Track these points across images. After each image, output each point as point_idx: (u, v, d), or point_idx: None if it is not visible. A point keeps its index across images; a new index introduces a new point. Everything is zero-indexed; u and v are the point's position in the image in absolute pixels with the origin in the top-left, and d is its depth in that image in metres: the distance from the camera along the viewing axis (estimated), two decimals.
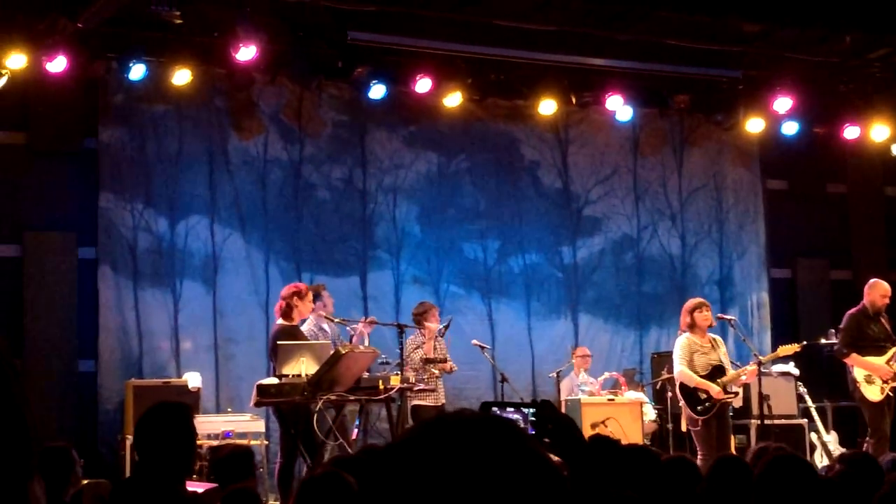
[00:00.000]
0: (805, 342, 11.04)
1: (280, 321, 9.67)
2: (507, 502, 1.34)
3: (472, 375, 12.47)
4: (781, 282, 14.69)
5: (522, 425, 3.00)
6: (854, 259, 14.78)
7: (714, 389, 9.76)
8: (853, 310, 10.54)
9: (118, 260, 11.70)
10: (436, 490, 1.34)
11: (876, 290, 10.47)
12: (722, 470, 4.30)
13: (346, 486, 3.63)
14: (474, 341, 11.56)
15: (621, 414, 11.09)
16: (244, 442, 9.51)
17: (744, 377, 10.14)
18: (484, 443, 1.38)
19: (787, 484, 3.62)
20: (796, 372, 12.13)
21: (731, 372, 9.95)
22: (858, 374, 10.26)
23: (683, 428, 10.07)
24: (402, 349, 10.03)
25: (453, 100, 12.70)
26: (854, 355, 10.30)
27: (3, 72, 10.75)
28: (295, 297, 9.64)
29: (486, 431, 1.40)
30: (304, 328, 9.97)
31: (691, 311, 10.04)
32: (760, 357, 10.32)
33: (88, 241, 11.71)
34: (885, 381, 10.09)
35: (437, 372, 10.84)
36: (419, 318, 10.97)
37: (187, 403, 4.08)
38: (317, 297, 10.15)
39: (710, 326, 10.12)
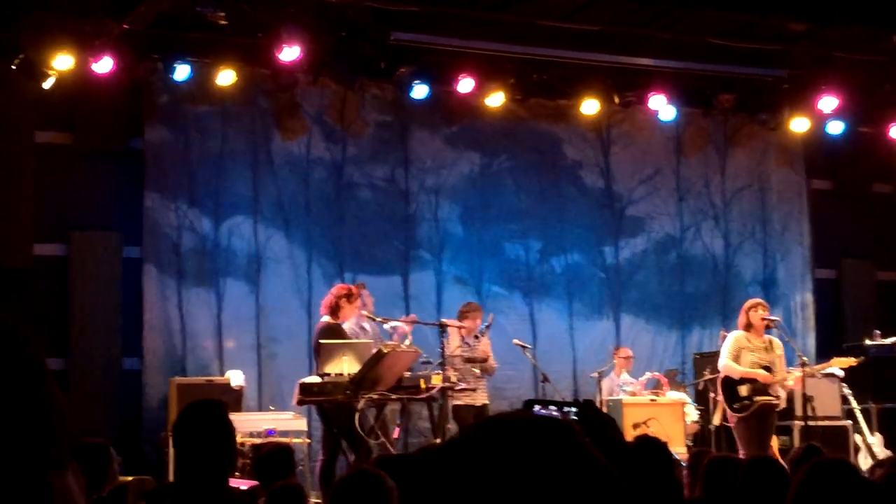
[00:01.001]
0: (863, 357, 10.85)
1: (326, 318, 9.74)
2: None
3: (514, 375, 12.47)
4: (826, 282, 14.56)
5: None
6: None
7: (761, 374, 9.73)
8: None
9: (163, 259, 11.80)
10: (492, 490, 1.34)
11: None
12: (756, 471, 4.28)
13: (379, 485, 3.65)
14: (515, 341, 11.56)
15: (663, 414, 11.04)
16: (286, 440, 9.56)
17: (790, 382, 10.09)
18: (543, 444, 1.38)
19: (832, 490, 3.59)
20: (841, 373, 12.00)
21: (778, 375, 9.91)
22: None
23: (716, 422, 10.05)
24: (443, 348, 10.05)
25: (496, 100, 12.70)
26: None
27: (51, 73, 10.88)
28: (344, 298, 9.75)
29: (544, 433, 1.40)
30: (345, 327, 10.03)
31: (747, 311, 10.11)
32: (809, 365, 10.24)
33: (133, 241, 11.83)
34: None
35: (477, 371, 10.85)
36: (461, 316, 11.02)
37: (222, 400, 4.11)
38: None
39: (767, 328, 10.10)
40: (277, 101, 12.39)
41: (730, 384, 9.91)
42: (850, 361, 10.38)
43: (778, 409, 10.21)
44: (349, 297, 9.81)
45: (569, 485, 1.35)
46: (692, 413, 11.81)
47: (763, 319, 10.04)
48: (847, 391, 12.05)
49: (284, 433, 10.18)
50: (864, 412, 12.10)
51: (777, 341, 10.15)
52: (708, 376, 11.52)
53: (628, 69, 12.83)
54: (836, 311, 14.46)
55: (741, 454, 9.61)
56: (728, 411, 9.88)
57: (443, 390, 9.52)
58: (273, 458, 6.63)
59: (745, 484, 4.22)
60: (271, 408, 11.18)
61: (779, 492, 4.31)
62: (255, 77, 12.14)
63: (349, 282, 12.01)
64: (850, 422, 11.96)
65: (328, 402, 9.14)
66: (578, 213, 13.57)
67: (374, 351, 9.11)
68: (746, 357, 9.94)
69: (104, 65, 10.88)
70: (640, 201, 13.84)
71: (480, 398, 10.86)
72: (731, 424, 9.89)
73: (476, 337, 11.09)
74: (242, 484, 7.95)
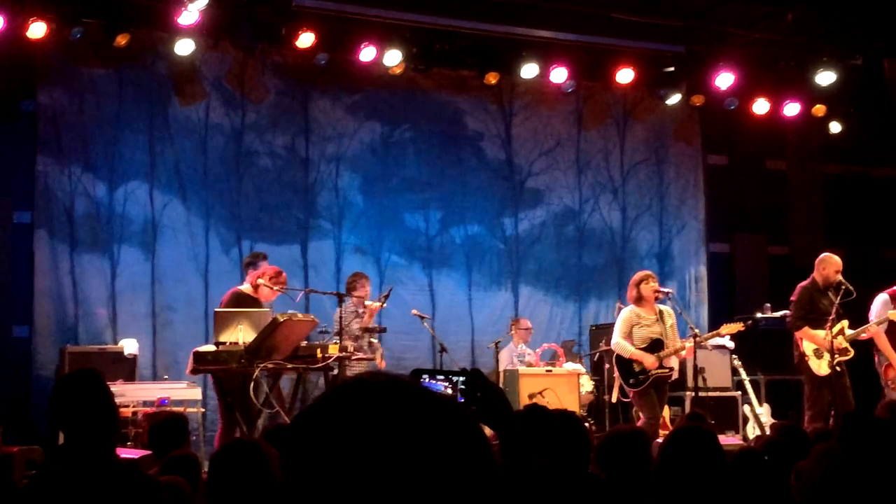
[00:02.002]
0: (749, 322, 11.10)
1: (245, 286, 9.70)
2: (426, 462, 1.34)
3: (412, 345, 12.52)
4: (719, 256, 14.84)
5: (451, 393, 3.02)
6: (791, 235, 14.96)
7: (648, 360, 9.88)
8: (804, 283, 10.50)
9: (55, 225, 11.56)
10: (348, 450, 1.34)
11: (831, 265, 10.40)
12: (617, 443, 4.37)
13: (258, 455, 3.62)
14: (414, 311, 11.59)
15: (559, 385, 11.19)
16: (180, 409, 9.46)
17: (683, 353, 10.26)
18: (394, 404, 1.38)
19: (691, 455, 3.68)
20: (731, 345, 12.28)
21: (670, 346, 10.06)
22: (808, 347, 10.29)
23: (613, 399, 10.21)
24: (341, 318, 10.04)
25: (398, 69, 12.65)
26: (806, 328, 10.33)
27: None
28: (266, 276, 9.68)
29: (395, 393, 1.39)
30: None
31: (638, 284, 10.16)
32: (699, 333, 10.42)
33: (25, 206, 11.55)
34: (833, 356, 10.11)
35: (375, 341, 10.87)
36: (348, 288, 11.02)
37: (97, 369, 4.03)
38: (252, 265, 10.14)
39: (657, 299, 10.23)
40: (175, 65, 12.16)
41: (623, 361, 10.05)
42: (738, 326, 10.58)
43: (670, 380, 10.39)
44: (271, 276, 9.76)
45: (432, 443, 1.35)
46: (587, 384, 11.97)
47: (656, 291, 10.17)
48: (737, 363, 12.32)
49: (178, 402, 10.07)
50: (754, 383, 12.38)
51: (668, 310, 10.30)
52: (604, 348, 11.67)
53: (530, 41, 12.89)
54: (728, 285, 14.75)
55: (643, 420, 9.80)
56: (625, 387, 10.02)
57: (339, 360, 9.50)
58: (166, 427, 6.55)
59: (602, 456, 4.30)
60: (165, 377, 11.05)
61: (642, 462, 4.41)
62: (154, 40, 11.91)
63: (247, 249, 11.92)
64: (739, 393, 12.24)
65: (222, 371, 9.06)
66: (479, 184, 13.62)
67: (270, 319, 9.04)
68: (639, 332, 10.06)
69: None
70: (540, 173, 13.94)
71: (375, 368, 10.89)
72: (637, 398, 10.01)
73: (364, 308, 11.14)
74: (134, 453, 7.85)
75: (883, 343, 10.42)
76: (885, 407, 7.08)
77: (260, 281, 9.81)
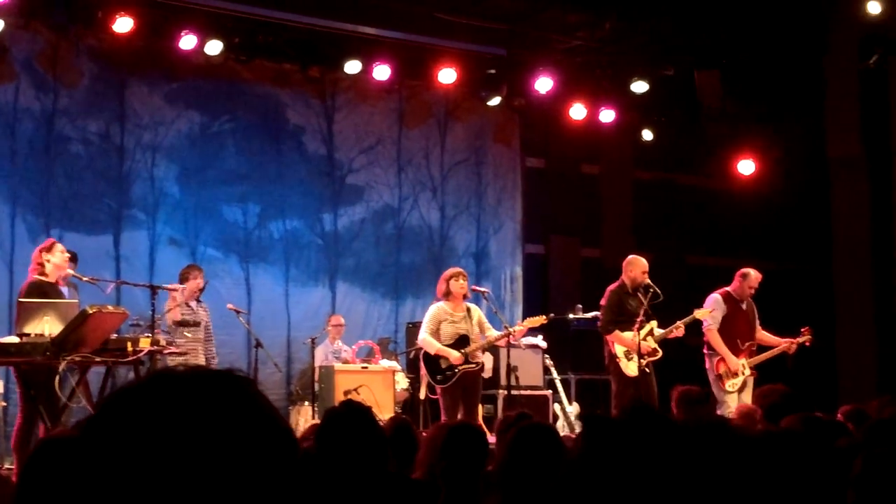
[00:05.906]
0: (552, 315, 11.32)
1: (35, 276, 9.25)
2: (227, 453, 1.32)
3: (227, 340, 12.29)
4: (535, 257, 15.14)
5: None
6: (603, 238, 15.38)
7: (453, 356, 9.97)
8: (613, 286, 10.71)
9: None
10: (160, 440, 1.31)
11: (637, 267, 10.63)
12: (457, 437, 4.40)
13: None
14: (230, 305, 11.43)
15: (374, 382, 11.21)
16: None
17: (501, 343, 10.35)
18: (212, 395, 1.35)
19: (536, 452, 3.75)
20: (544, 345, 12.55)
21: (477, 342, 10.18)
22: (619, 349, 10.52)
23: (422, 395, 10.28)
24: (153, 311, 9.79)
25: (219, 59, 12.45)
26: (616, 332, 10.55)
27: None
28: (42, 252, 9.22)
29: (214, 384, 1.37)
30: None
31: (447, 280, 10.24)
32: (511, 329, 10.57)
33: None
34: (641, 357, 10.36)
35: (189, 335, 10.66)
36: (182, 279, 10.79)
37: None
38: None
39: (465, 297, 10.32)
40: None
41: (430, 357, 10.12)
42: (541, 319, 10.73)
43: (484, 377, 10.51)
44: (45, 248, 9.31)
45: (238, 435, 1.33)
46: (402, 381, 12.04)
47: (464, 289, 10.22)
48: (549, 362, 12.58)
49: None
50: (564, 382, 12.68)
51: (475, 307, 10.46)
52: (419, 345, 11.75)
53: (354, 37, 12.88)
54: (542, 286, 15.06)
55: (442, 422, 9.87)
56: (432, 384, 10.07)
57: (151, 353, 9.27)
58: None
59: (445, 451, 4.32)
60: None
61: (479, 457, 4.45)
62: None
63: (56, 238, 11.48)
64: (550, 391, 12.51)
65: (26, 364, 8.71)
66: (299, 178, 13.52)
67: (79, 311, 8.74)
68: (446, 329, 10.15)
69: None
70: (360, 170, 13.93)
71: (198, 361, 10.72)
72: (439, 397, 10.06)
73: (198, 301, 10.90)
74: None
75: (715, 340, 10.78)
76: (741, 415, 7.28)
77: (71, 271, 9.44)
